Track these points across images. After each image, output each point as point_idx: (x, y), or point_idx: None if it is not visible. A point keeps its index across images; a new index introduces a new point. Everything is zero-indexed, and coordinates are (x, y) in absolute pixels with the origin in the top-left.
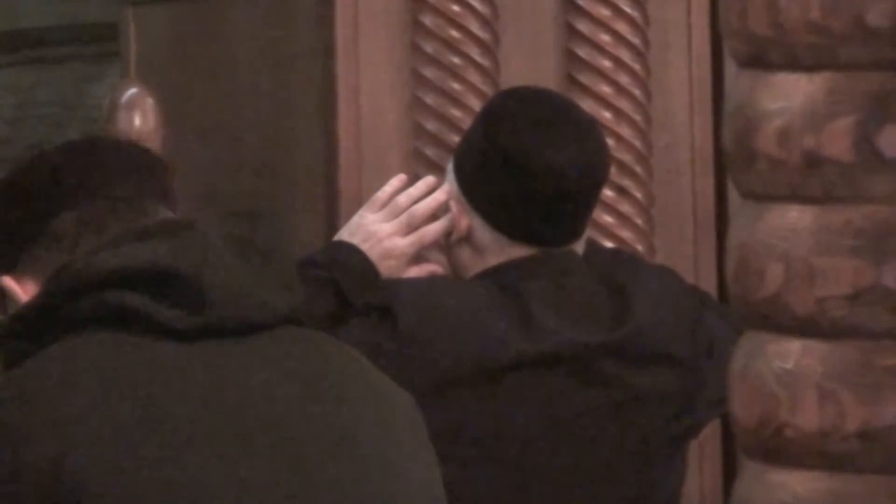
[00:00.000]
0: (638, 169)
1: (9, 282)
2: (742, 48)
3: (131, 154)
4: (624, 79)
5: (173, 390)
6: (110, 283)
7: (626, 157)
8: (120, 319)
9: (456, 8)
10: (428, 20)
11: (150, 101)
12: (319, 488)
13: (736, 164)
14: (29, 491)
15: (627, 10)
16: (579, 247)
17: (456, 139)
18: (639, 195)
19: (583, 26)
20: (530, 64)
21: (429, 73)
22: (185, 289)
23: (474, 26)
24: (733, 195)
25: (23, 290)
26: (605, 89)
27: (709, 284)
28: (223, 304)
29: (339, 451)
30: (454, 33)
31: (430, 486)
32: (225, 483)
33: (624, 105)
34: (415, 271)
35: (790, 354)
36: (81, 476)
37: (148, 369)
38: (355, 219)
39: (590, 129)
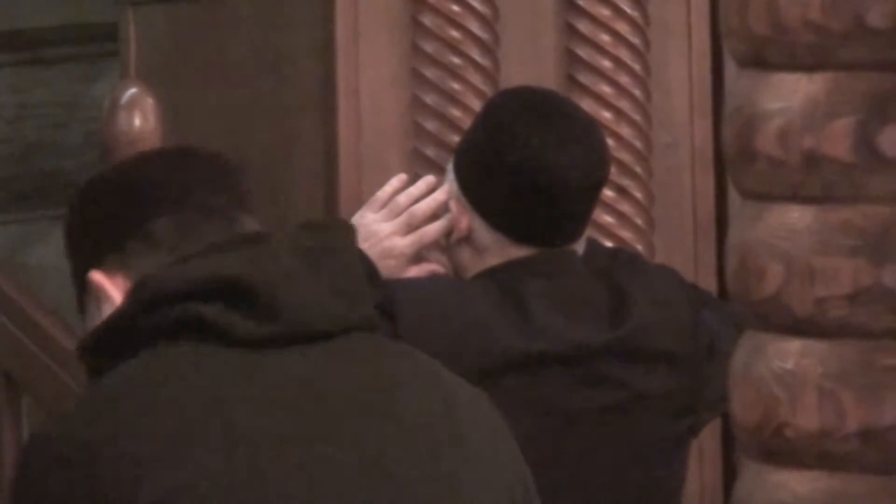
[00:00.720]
0: (638, 169)
1: (98, 277)
2: (742, 48)
3: (221, 165)
4: (624, 79)
5: (250, 403)
6: (186, 295)
7: (626, 157)
8: (195, 331)
9: (456, 8)
10: (428, 20)
11: (150, 101)
12: (402, 496)
13: (736, 164)
14: None
15: (627, 10)
16: (579, 246)
17: (456, 139)
18: (639, 195)
19: (583, 26)
20: (530, 64)
21: (429, 73)
22: (257, 299)
23: (474, 26)
24: (733, 195)
25: (113, 286)
26: (605, 89)
27: (709, 284)
28: (294, 314)
29: (415, 459)
30: (454, 33)
31: (508, 482)
32: (309, 498)
33: (624, 105)
34: (414, 271)
35: (790, 354)
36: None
37: (223, 382)
38: (355, 218)
39: (590, 129)
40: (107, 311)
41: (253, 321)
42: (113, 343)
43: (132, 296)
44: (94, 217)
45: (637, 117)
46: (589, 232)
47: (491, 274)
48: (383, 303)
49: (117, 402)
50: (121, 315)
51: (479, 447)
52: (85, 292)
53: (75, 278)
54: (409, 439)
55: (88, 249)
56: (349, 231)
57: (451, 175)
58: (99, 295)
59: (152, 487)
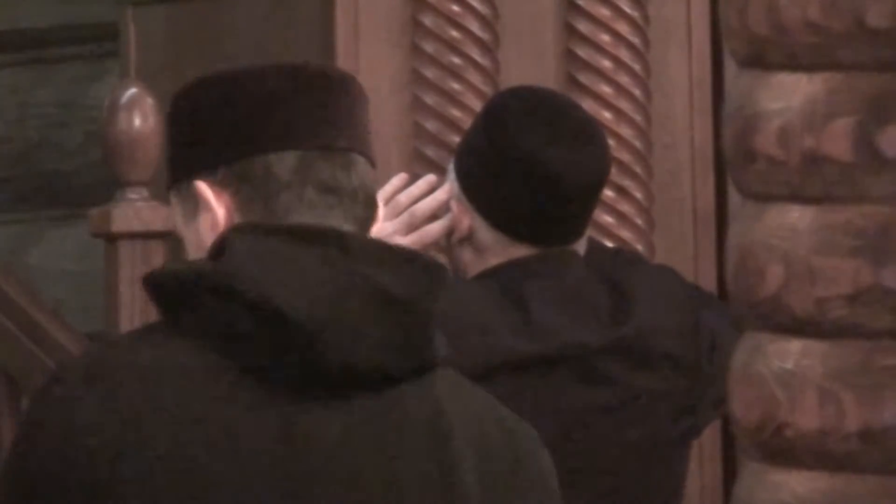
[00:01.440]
0: (638, 169)
1: (204, 189)
2: (742, 48)
3: (352, 95)
4: (624, 79)
5: (240, 447)
6: (244, 302)
7: (626, 157)
8: (228, 338)
9: (456, 8)
10: (428, 20)
11: (150, 101)
12: None
13: (736, 164)
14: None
15: (627, 10)
16: (580, 246)
17: (456, 139)
18: (639, 195)
19: (583, 26)
20: (530, 64)
21: (429, 73)
22: (302, 336)
23: (474, 27)
24: (733, 195)
25: (219, 201)
26: (605, 89)
27: (709, 284)
28: (336, 365)
29: None
30: (454, 33)
31: None
32: None
33: (624, 105)
34: None
35: (790, 354)
36: None
37: (223, 416)
38: None
39: (590, 129)
40: (203, 222)
41: (291, 361)
42: (170, 295)
43: (211, 253)
44: (220, 121)
45: (637, 117)
46: (589, 232)
47: (492, 274)
48: None
49: (116, 391)
50: (180, 277)
51: None
52: (180, 196)
53: (174, 175)
54: None
55: (203, 155)
56: (439, 276)
57: (452, 175)
58: (199, 203)
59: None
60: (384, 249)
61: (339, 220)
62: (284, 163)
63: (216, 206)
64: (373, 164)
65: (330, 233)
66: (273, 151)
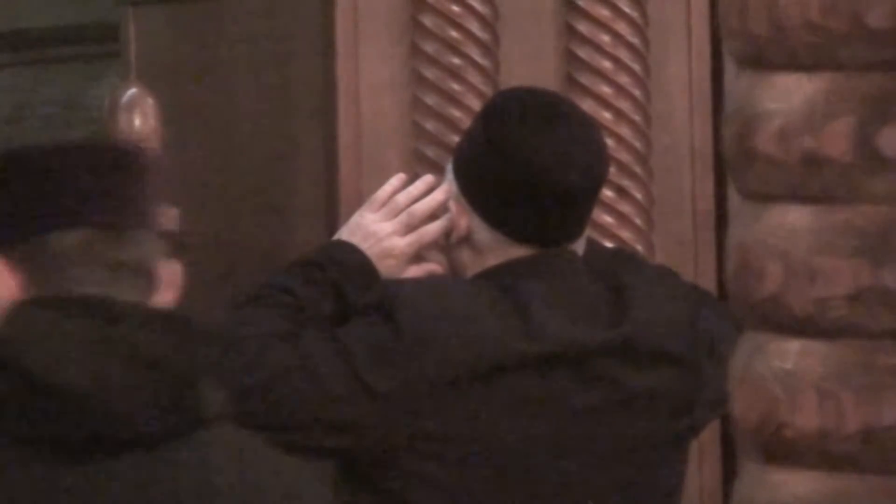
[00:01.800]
0: (638, 169)
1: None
2: (742, 48)
3: (135, 170)
4: (624, 79)
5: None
6: (11, 372)
7: (626, 157)
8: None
9: (456, 8)
10: (428, 20)
11: (150, 101)
12: None
13: (736, 164)
14: None
15: (627, 10)
16: (579, 247)
17: (456, 139)
18: (638, 195)
19: (583, 27)
20: (530, 64)
21: (429, 73)
22: (65, 403)
23: (474, 27)
24: (733, 195)
25: (11, 274)
26: (605, 90)
27: (709, 284)
28: (95, 423)
29: None
30: (454, 34)
31: None
32: None
33: (624, 105)
34: (414, 271)
35: (790, 354)
36: None
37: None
38: (355, 218)
39: (589, 130)
40: None
41: (55, 428)
42: None
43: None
44: (4, 200)
45: (637, 118)
46: (589, 232)
47: (490, 274)
48: (383, 303)
49: None
50: None
51: None
52: None
53: None
54: None
55: None
56: (205, 337)
57: (450, 175)
58: None
59: None
60: (152, 316)
61: (123, 292)
62: (68, 241)
63: (8, 279)
64: (157, 233)
65: (101, 302)
66: (57, 231)
